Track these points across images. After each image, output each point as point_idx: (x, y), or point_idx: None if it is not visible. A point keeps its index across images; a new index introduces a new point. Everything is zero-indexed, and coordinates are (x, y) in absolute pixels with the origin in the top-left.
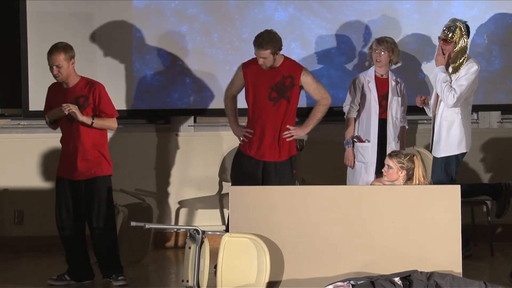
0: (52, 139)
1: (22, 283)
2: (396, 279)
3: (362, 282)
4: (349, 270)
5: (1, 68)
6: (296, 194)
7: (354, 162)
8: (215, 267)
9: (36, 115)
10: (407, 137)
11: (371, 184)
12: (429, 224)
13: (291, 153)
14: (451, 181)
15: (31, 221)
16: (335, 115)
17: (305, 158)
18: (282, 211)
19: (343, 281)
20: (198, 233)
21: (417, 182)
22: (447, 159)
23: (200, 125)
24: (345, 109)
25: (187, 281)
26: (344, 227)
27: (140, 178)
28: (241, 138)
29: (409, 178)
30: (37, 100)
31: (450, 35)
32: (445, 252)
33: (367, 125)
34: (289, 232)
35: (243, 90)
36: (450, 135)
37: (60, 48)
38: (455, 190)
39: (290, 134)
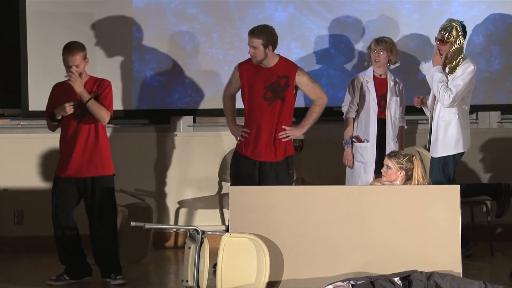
0: (52, 139)
1: (22, 283)
2: (396, 279)
3: (362, 282)
4: (349, 270)
5: (1, 68)
6: (296, 194)
7: (353, 162)
8: (214, 266)
9: (36, 115)
10: (407, 137)
11: (370, 184)
12: (429, 224)
13: (287, 153)
14: (449, 181)
15: (31, 221)
16: (334, 115)
17: (305, 158)
18: (282, 211)
19: (343, 281)
20: (198, 233)
21: (416, 182)
22: (444, 159)
23: (200, 125)
24: (344, 109)
25: (187, 281)
26: (344, 227)
27: (140, 178)
28: (238, 138)
29: (408, 179)
30: (37, 100)
31: (447, 35)
32: (445, 252)
33: (366, 125)
34: (289, 232)
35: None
36: (447, 135)
37: (79, 48)
38: (455, 190)
39: (286, 135)
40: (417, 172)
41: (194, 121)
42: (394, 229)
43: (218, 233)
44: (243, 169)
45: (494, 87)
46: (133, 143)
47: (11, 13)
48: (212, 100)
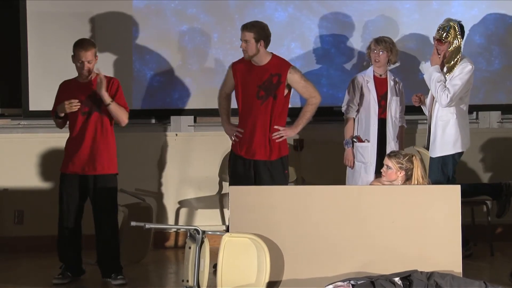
0: (52, 139)
1: (22, 283)
2: (396, 279)
3: (362, 282)
4: (349, 270)
5: (1, 68)
6: (296, 194)
7: (353, 162)
8: (214, 266)
9: (36, 115)
10: (406, 137)
11: (370, 184)
12: (429, 224)
13: (281, 153)
14: (448, 181)
15: (31, 221)
16: (334, 115)
17: (305, 158)
18: (282, 211)
19: (343, 281)
20: (198, 233)
21: (416, 182)
22: (443, 159)
23: (200, 125)
24: (344, 109)
25: (187, 281)
26: (344, 227)
27: (140, 178)
28: (233, 138)
29: (407, 179)
30: (37, 100)
31: (444, 35)
32: (445, 252)
33: (367, 125)
34: (289, 232)
35: None
36: (445, 134)
37: (92, 44)
38: (455, 190)
39: (280, 135)
40: (417, 172)
41: (194, 121)
42: (394, 229)
43: (218, 233)
44: (238, 168)
45: (494, 87)
46: (133, 143)
47: (11, 13)
48: (212, 100)
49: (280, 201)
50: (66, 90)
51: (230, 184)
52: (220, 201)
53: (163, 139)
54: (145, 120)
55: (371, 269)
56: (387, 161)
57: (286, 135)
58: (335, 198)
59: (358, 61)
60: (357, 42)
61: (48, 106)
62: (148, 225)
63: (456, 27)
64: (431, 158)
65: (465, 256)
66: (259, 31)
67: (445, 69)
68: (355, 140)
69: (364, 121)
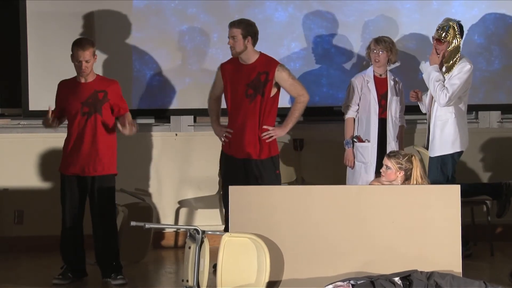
0: (52, 139)
1: (22, 283)
2: (396, 279)
3: (362, 282)
4: (349, 270)
5: (1, 68)
6: (296, 194)
7: (354, 162)
8: (214, 266)
9: (36, 115)
10: (406, 136)
11: (369, 184)
12: (429, 224)
13: (272, 153)
14: (448, 181)
15: (31, 221)
16: (334, 115)
17: (305, 158)
18: (282, 211)
19: (343, 281)
20: (198, 233)
21: (415, 182)
22: (443, 158)
23: (200, 125)
24: (344, 109)
25: (187, 281)
26: (344, 227)
27: (140, 178)
28: (222, 139)
29: (407, 179)
30: (37, 100)
31: (444, 34)
32: (445, 252)
33: (367, 125)
34: (289, 232)
35: None
36: (444, 134)
37: (90, 43)
38: (455, 190)
39: (269, 135)
40: (416, 172)
41: (194, 121)
42: (394, 229)
43: (218, 233)
44: (229, 168)
45: (494, 87)
46: (133, 143)
47: (11, 13)
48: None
49: (280, 201)
50: (65, 90)
51: (222, 185)
52: (220, 201)
53: (163, 139)
54: (145, 120)
55: (371, 269)
56: (386, 161)
57: (275, 134)
58: (335, 198)
59: (358, 61)
60: (357, 42)
61: (48, 106)
62: (148, 225)
63: (455, 27)
64: (430, 157)
65: (465, 256)
66: (246, 27)
67: (444, 69)
68: (355, 140)
69: (365, 121)
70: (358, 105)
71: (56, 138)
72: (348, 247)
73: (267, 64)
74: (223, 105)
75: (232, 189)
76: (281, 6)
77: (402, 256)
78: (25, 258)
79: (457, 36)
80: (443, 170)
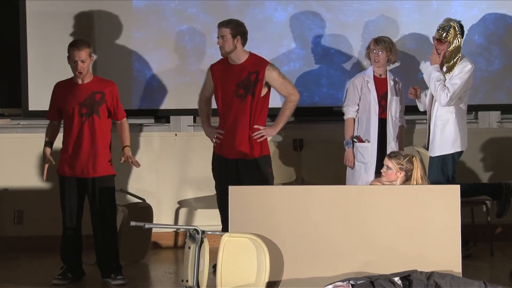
0: None
1: (22, 283)
2: (396, 279)
3: (362, 282)
4: (349, 270)
5: (1, 68)
6: (296, 194)
7: (354, 162)
8: (214, 266)
9: (36, 115)
10: (405, 136)
11: (370, 184)
12: (429, 224)
13: (263, 152)
14: (448, 181)
15: (31, 221)
16: (334, 115)
17: (305, 158)
18: (282, 211)
19: (343, 281)
20: (198, 233)
21: (415, 183)
22: (443, 158)
23: (200, 125)
24: (344, 109)
25: (187, 281)
26: (344, 227)
27: (140, 178)
28: (214, 140)
29: (407, 179)
30: (37, 100)
31: (444, 34)
32: (444, 252)
33: (367, 125)
34: (289, 232)
35: None
36: (444, 134)
37: (86, 44)
38: (454, 190)
39: (261, 134)
40: (417, 173)
41: (194, 121)
42: (394, 229)
43: (218, 233)
44: (221, 169)
45: (494, 87)
46: (133, 143)
47: (11, 13)
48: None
49: (280, 201)
50: (61, 91)
51: (216, 186)
52: None
53: (162, 139)
54: (145, 120)
55: (371, 269)
56: (387, 161)
57: (266, 134)
58: (335, 198)
59: (358, 61)
60: (357, 42)
61: (48, 106)
62: (147, 225)
63: (456, 27)
64: (430, 157)
65: (465, 256)
66: (236, 27)
67: (444, 69)
68: (355, 140)
69: (365, 121)
70: (358, 105)
71: (56, 138)
72: (348, 247)
73: (257, 63)
74: (214, 105)
75: (232, 189)
76: (280, 6)
77: (402, 256)
78: (25, 258)
79: (458, 36)
80: (443, 170)
